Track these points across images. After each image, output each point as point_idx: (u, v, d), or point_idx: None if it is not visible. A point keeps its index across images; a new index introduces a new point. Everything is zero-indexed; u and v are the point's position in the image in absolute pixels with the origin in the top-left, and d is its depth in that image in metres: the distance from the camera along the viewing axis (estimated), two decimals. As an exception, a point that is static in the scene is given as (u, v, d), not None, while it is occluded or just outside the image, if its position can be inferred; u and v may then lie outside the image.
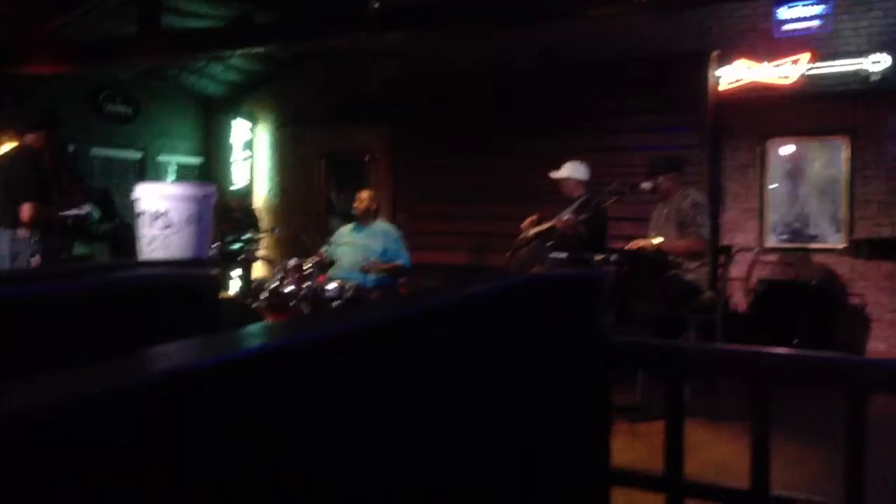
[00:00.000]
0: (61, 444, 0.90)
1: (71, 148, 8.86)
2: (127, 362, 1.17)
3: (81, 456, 0.91)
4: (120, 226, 8.79)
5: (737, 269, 6.91)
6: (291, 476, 1.22)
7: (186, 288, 2.28)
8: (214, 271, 2.48)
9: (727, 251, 5.98)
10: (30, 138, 5.79)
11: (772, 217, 7.78)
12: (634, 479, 2.21)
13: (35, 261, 5.47)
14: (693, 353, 2.08)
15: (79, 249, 7.29)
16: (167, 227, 2.48)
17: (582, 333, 2.04)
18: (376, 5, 6.10)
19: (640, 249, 5.30)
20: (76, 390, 0.99)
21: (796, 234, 7.70)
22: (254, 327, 1.67)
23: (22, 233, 5.41)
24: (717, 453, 4.00)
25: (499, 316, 1.78)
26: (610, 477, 2.21)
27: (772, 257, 7.62)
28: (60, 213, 5.83)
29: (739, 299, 7.35)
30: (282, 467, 1.21)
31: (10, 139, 7.47)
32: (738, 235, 7.71)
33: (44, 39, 7.91)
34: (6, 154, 6.09)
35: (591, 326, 2.08)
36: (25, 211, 5.40)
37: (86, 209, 6.51)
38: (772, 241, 7.75)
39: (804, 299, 6.96)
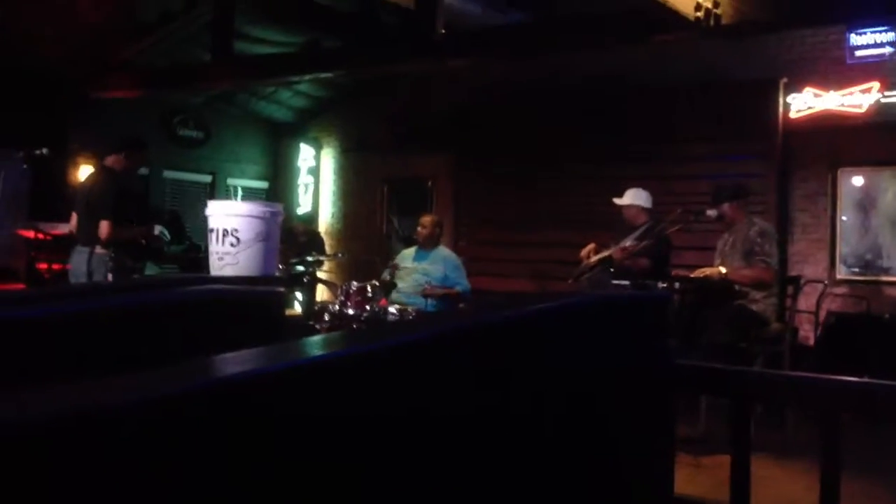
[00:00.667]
0: (135, 437, 0.94)
1: (145, 171, 9.15)
2: (191, 369, 1.21)
3: (153, 447, 0.96)
4: (190, 247, 9.04)
5: (806, 301, 6.74)
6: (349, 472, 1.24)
7: (254, 303, 2.35)
8: (281, 288, 2.53)
9: (796, 282, 5.84)
10: (111, 160, 6.01)
11: (842, 248, 7.58)
12: (698, 508, 2.17)
13: (110, 278, 5.66)
14: (757, 377, 2.05)
15: (150, 270, 7.50)
16: (236, 244, 2.55)
17: (646, 354, 2.02)
18: (442, 31, 6.17)
19: (706, 277, 5.21)
20: (140, 393, 1.03)
21: (868, 266, 7.49)
22: (315, 339, 1.71)
23: (99, 251, 5.61)
24: (786, 489, 3.90)
25: (559, 333, 1.78)
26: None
27: (842, 289, 7.42)
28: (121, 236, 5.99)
29: (808, 332, 7.17)
30: (340, 467, 1.23)
31: (90, 161, 7.76)
32: (808, 267, 7.53)
33: (121, 66, 8.22)
34: (89, 176, 6.32)
35: (655, 348, 2.06)
36: (103, 228, 5.59)
37: (157, 230, 6.70)
38: (842, 273, 7.54)
39: (876, 333, 6.74)
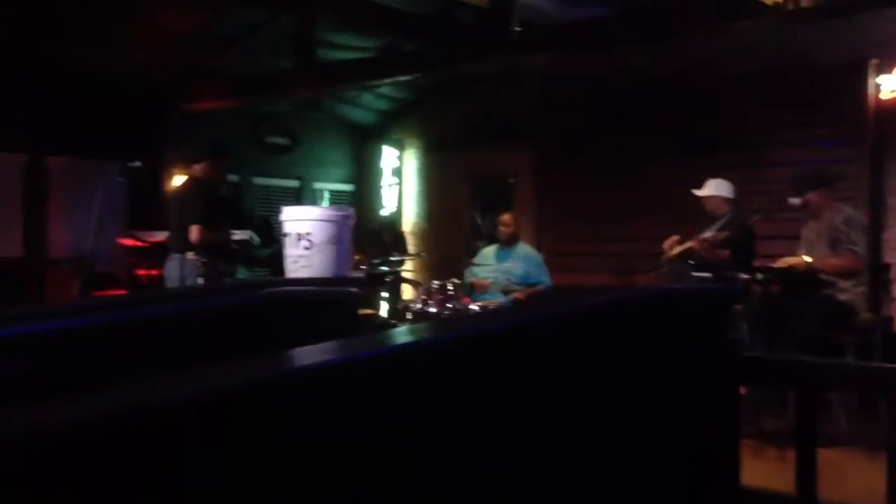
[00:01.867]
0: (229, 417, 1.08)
1: (235, 178, 9.47)
2: (266, 362, 1.32)
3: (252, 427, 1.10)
4: (279, 251, 9.32)
5: (901, 290, 6.50)
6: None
7: (328, 303, 2.46)
8: (354, 289, 2.64)
9: (887, 270, 5.65)
10: (196, 169, 6.29)
11: (940, 233, 7.26)
12: (766, 500, 2.17)
13: (201, 283, 5.92)
14: (825, 367, 2.03)
15: (241, 273, 7.78)
16: (310, 247, 2.66)
17: (709, 346, 2.04)
18: (517, 29, 6.21)
19: (791, 267, 5.10)
20: (223, 383, 1.15)
21: (969, 252, 7.15)
22: (383, 333, 1.79)
23: (191, 256, 5.87)
24: (871, 481, 3.79)
25: (627, 324, 1.82)
26: (740, 496, 2.18)
27: (941, 276, 7.11)
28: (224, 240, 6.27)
29: (906, 321, 6.90)
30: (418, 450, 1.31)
31: (182, 171, 8.11)
32: (903, 254, 7.24)
33: (209, 77, 8.55)
34: (178, 185, 6.61)
35: (719, 340, 2.08)
36: (194, 233, 5.83)
37: (246, 234, 6.96)
38: (941, 260, 7.22)
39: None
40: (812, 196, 5.30)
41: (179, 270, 5.87)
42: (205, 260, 5.78)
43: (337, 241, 2.72)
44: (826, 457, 4.22)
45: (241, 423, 1.10)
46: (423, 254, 9.35)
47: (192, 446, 1.01)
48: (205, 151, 6.31)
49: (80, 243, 6.36)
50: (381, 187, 11.10)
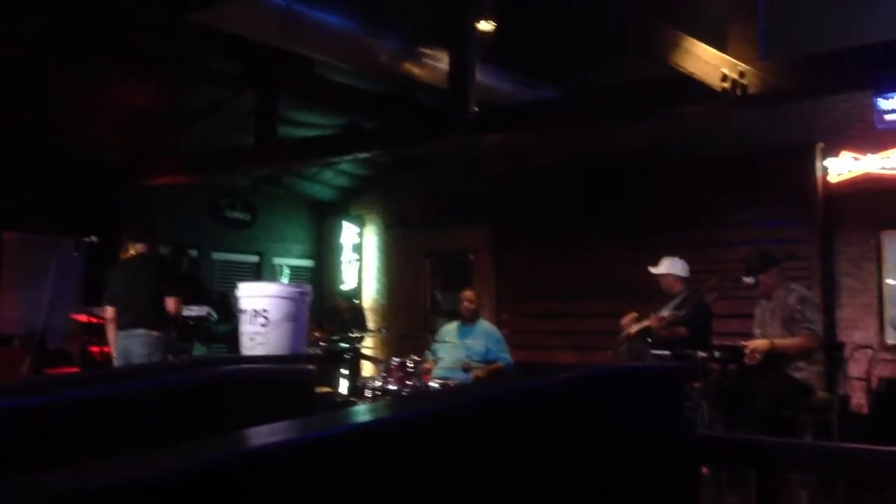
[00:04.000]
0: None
1: (194, 253, 9.41)
2: (214, 444, 1.28)
3: None
4: (237, 327, 9.21)
5: (856, 368, 6.59)
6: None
7: (284, 381, 2.41)
8: (310, 367, 2.60)
9: (840, 348, 5.73)
10: (139, 247, 6.29)
11: (891, 312, 7.42)
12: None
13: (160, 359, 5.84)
14: (784, 447, 2.03)
15: (198, 349, 7.66)
16: (266, 324, 2.64)
17: (668, 425, 2.03)
18: (475, 109, 6.34)
19: (753, 351, 5.10)
20: (170, 466, 1.11)
21: (919, 330, 7.31)
22: (338, 413, 1.76)
23: (154, 333, 5.84)
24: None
25: (582, 403, 1.81)
26: (700, 579, 2.14)
27: (893, 355, 7.23)
28: (181, 314, 6.24)
29: (860, 400, 6.98)
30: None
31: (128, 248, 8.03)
32: (856, 332, 7.37)
33: (169, 152, 8.55)
34: (124, 263, 6.47)
35: (673, 420, 2.07)
36: (172, 304, 5.88)
37: (204, 310, 6.89)
38: (892, 338, 7.36)
39: (931, 399, 6.54)
40: (764, 277, 5.38)
41: (145, 348, 5.78)
42: (172, 335, 5.77)
43: (294, 318, 2.70)
44: (786, 537, 4.19)
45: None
46: (382, 330, 9.29)
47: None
48: (142, 232, 6.35)
49: (33, 319, 6.22)
50: (340, 263, 11.09)
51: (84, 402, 2.05)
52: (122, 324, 5.99)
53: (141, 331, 5.89)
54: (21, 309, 7.87)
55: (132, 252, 6.37)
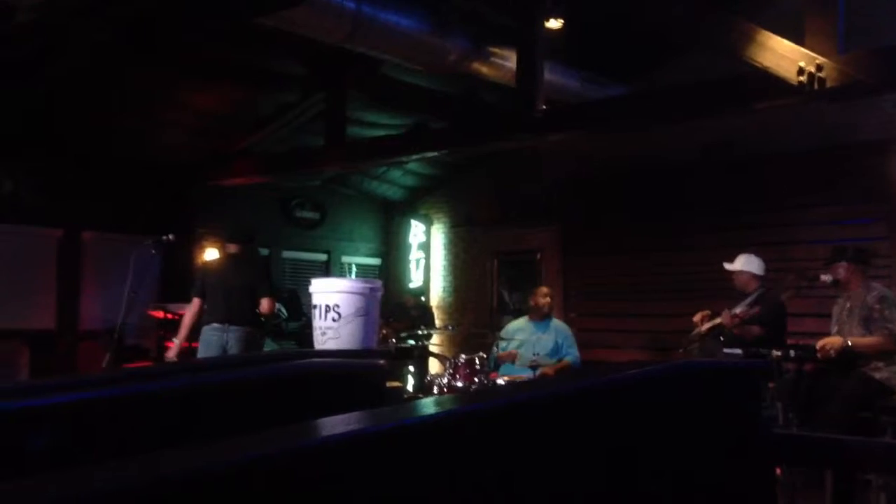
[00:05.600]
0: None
1: (265, 252, 9.61)
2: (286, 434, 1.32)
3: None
4: (306, 324, 9.38)
5: (939, 369, 6.35)
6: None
7: (355, 375, 2.46)
8: (381, 361, 2.64)
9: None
10: (233, 248, 6.65)
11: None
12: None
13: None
14: (862, 446, 1.98)
15: (268, 346, 7.82)
16: (338, 319, 2.68)
17: (744, 422, 2.00)
18: (542, 108, 6.32)
19: (824, 346, 5.00)
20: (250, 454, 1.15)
21: None
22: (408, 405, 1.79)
23: (248, 329, 6.30)
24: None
25: (655, 398, 1.80)
26: (777, 579, 2.11)
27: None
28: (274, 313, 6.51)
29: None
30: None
31: (216, 245, 8.26)
32: (939, 332, 7.10)
33: (242, 154, 8.75)
34: (220, 260, 6.84)
35: (748, 417, 2.04)
36: (266, 305, 6.35)
37: (275, 308, 7.06)
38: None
39: None
40: (843, 271, 5.25)
41: (243, 342, 6.21)
42: (265, 333, 6.09)
43: (365, 312, 2.74)
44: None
45: (267, 492, 1.10)
46: (450, 328, 9.33)
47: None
48: (237, 234, 6.69)
49: (112, 316, 6.45)
50: (408, 262, 11.18)
51: (159, 394, 2.12)
52: (217, 318, 6.28)
53: (237, 327, 6.25)
54: (101, 305, 8.15)
55: (226, 252, 6.72)
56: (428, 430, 1.32)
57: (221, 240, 6.88)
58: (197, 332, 6.39)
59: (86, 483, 0.96)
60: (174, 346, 6.43)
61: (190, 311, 6.45)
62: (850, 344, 4.99)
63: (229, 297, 6.31)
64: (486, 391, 5.02)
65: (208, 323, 6.30)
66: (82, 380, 2.44)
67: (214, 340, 6.22)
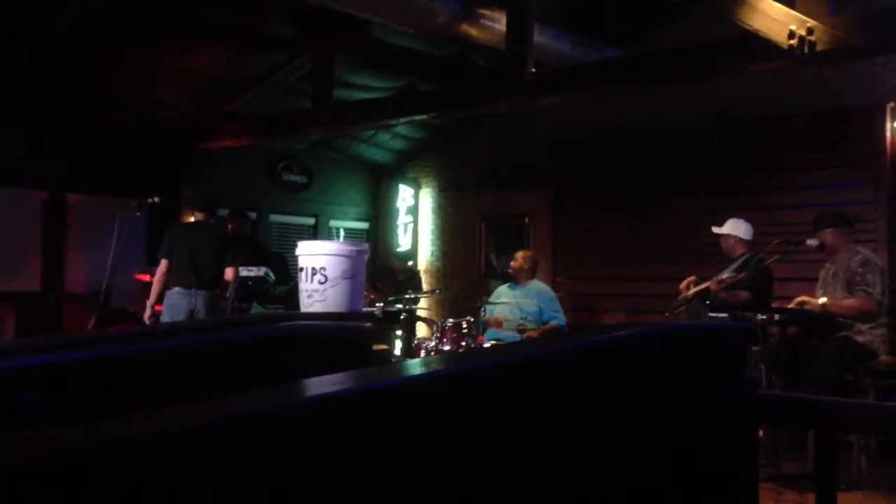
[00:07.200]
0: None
1: (252, 215, 9.57)
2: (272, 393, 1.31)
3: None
4: (294, 288, 9.37)
5: (922, 332, 6.42)
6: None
7: (341, 338, 2.45)
8: (368, 324, 2.64)
9: (906, 311, 5.59)
10: (198, 215, 6.92)
11: (961, 276, 7.18)
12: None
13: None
14: (844, 407, 2.00)
15: (256, 309, 7.81)
16: (324, 281, 2.67)
17: (727, 384, 2.01)
18: (532, 71, 6.27)
19: (802, 304, 5.06)
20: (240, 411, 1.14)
21: None
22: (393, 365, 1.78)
23: (216, 292, 6.55)
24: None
25: (633, 361, 1.80)
26: (758, 538, 2.13)
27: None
28: (240, 275, 6.60)
29: (926, 365, 6.80)
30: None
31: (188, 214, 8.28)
32: (923, 296, 7.17)
33: (229, 117, 8.66)
34: (192, 224, 6.90)
35: (732, 379, 2.05)
36: (229, 273, 6.63)
37: (262, 271, 7.05)
38: (962, 302, 7.14)
39: None
40: (829, 236, 5.28)
41: (210, 304, 6.44)
42: (230, 298, 6.24)
43: (351, 275, 2.73)
44: (846, 500, 4.14)
45: (251, 453, 1.09)
46: (437, 292, 9.34)
47: (208, 473, 1.01)
48: (205, 205, 6.92)
49: (98, 278, 6.42)
50: (396, 226, 11.15)
51: (152, 354, 2.11)
52: (185, 283, 6.42)
53: (204, 291, 6.44)
54: (86, 268, 8.12)
55: (192, 218, 6.92)
56: (424, 388, 1.32)
57: (189, 208, 7.22)
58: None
59: (52, 442, 0.95)
60: (147, 308, 6.52)
61: (159, 273, 6.59)
62: (821, 303, 5.04)
63: (196, 261, 6.48)
64: (456, 355, 5.05)
65: (174, 286, 6.46)
66: (68, 340, 2.44)
67: (183, 304, 6.38)
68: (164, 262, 6.55)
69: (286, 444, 1.13)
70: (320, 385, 1.30)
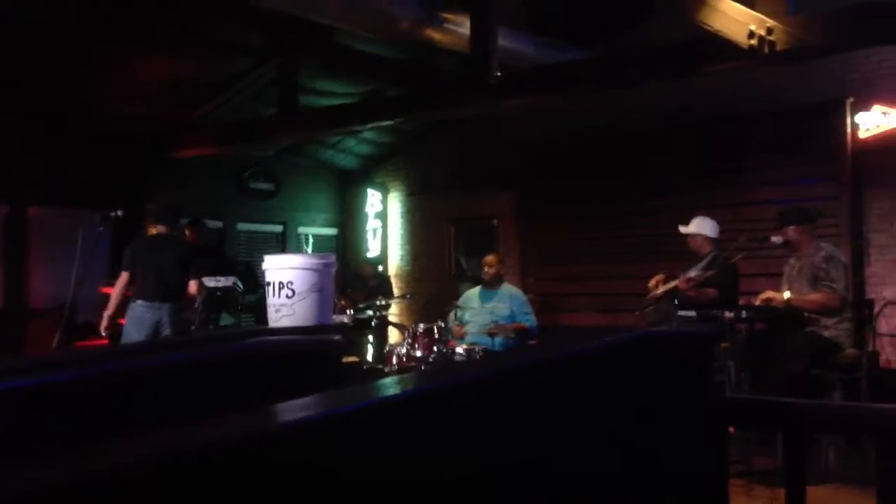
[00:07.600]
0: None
1: (219, 224, 9.49)
2: (245, 418, 1.30)
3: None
4: (264, 296, 9.30)
5: (886, 325, 6.53)
6: None
7: (311, 352, 2.44)
8: (337, 336, 2.62)
9: (870, 305, 5.68)
10: (160, 228, 6.84)
11: (922, 268, 7.32)
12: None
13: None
14: (810, 409, 2.02)
15: (225, 319, 7.74)
16: (292, 295, 2.66)
17: (696, 387, 2.03)
18: (497, 74, 6.28)
19: (767, 301, 5.13)
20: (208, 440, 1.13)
21: (951, 286, 7.21)
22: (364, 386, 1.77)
23: (178, 306, 6.41)
24: (862, 520, 3.77)
25: (606, 370, 1.81)
26: (730, 539, 2.15)
27: (925, 311, 7.15)
28: (207, 286, 6.52)
29: (890, 356, 6.93)
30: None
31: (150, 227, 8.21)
32: (886, 289, 7.29)
33: (193, 125, 8.58)
34: (155, 237, 6.83)
35: (705, 381, 2.07)
36: (193, 286, 6.51)
37: (230, 281, 6.99)
38: (923, 295, 7.27)
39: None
40: (791, 231, 5.35)
41: (174, 318, 6.37)
42: (196, 311, 6.19)
43: (319, 288, 2.72)
44: (815, 495, 4.20)
45: (225, 480, 1.08)
46: (408, 296, 9.33)
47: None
48: (168, 218, 6.85)
49: (62, 293, 6.34)
50: (365, 231, 11.12)
51: (120, 375, 2.08)
52: (149, 296, 6.37)
53: (169, 304, 6.37)
54: (49, 283, 7.98)
55: (154, 231, 6.68)
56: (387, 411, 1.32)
57: (151, 220, 7.15)
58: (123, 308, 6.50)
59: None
60: (104, 319, 6.42)
61: (119, 285, 6.50)
62: (786, 298, 5.11)
63: (161, 275, 6.41)
64: (454, 365, 5.04)
65: (138, 299, 6.39)
66: (35, 362, 2.39)
67: (147, 318, 6.31)
68: (124, 275, 6.48)
69: (255, 472, 1.12)
70: (289, 410, 1.29)
